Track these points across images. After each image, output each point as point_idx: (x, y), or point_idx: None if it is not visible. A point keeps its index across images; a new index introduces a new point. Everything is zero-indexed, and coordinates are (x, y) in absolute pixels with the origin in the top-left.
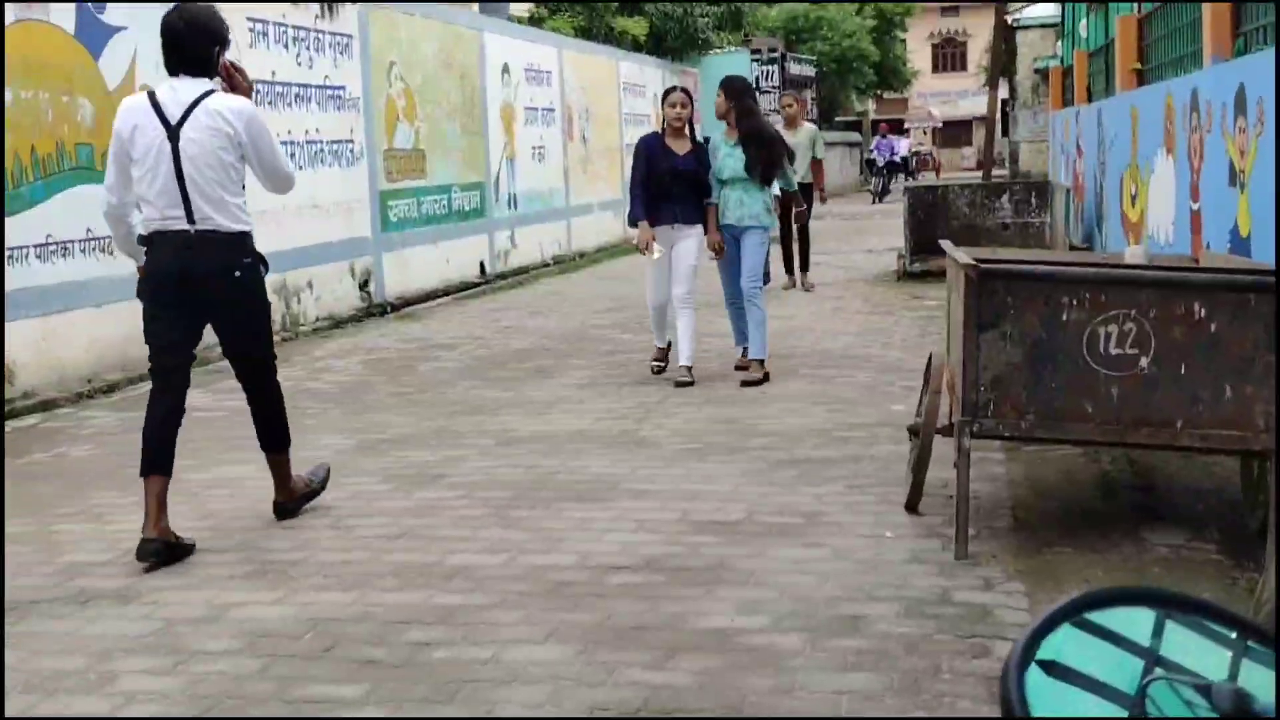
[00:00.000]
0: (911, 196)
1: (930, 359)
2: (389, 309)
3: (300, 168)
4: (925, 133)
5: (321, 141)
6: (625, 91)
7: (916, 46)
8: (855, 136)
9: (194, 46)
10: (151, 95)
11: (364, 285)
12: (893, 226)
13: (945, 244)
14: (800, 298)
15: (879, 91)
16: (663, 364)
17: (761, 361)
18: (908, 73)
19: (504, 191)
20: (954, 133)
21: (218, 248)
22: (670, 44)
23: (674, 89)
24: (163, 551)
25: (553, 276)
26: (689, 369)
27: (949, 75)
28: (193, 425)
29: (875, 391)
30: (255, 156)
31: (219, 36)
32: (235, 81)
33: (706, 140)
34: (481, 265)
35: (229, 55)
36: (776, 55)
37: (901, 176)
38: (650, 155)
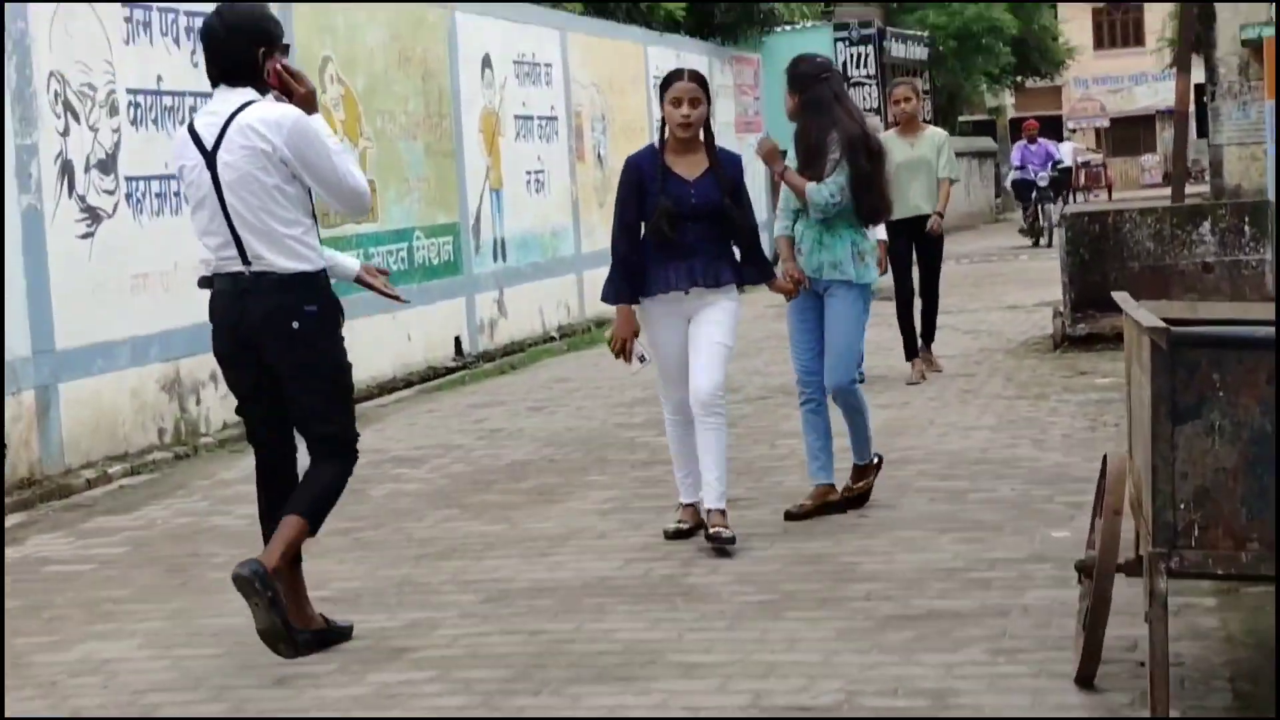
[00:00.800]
0: (1071, 228)
1: (1104, 464)
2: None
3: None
4: (1085, 135)
5: None
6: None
7: (1072, 14)
8: (987, 143)
9: (231, 51)
10: (191, 123)
11: None
12: (1044, 272)
13: (1121, 297)
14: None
15: (1019, 79)
16: (688, 526)
17: (864, 468)
18: (1060, 51)
19: (487, 236)
20: (1127, 134)
21: (271, 293)
22: (721, 20)
23: (678, 74)
24: (312, 641)
25: (558, 356)
26: (721, 515)
27: (1118, 53)
28: (49, 584)
29: (1026, 512)
30: (307, 173)
31: (263, 36)
32: (290, 88)
33: (731, 157)
34: (458, 342)
35: (285, 60)
36: (871, 32)
37: (1059, 201)
38: (642, 183)
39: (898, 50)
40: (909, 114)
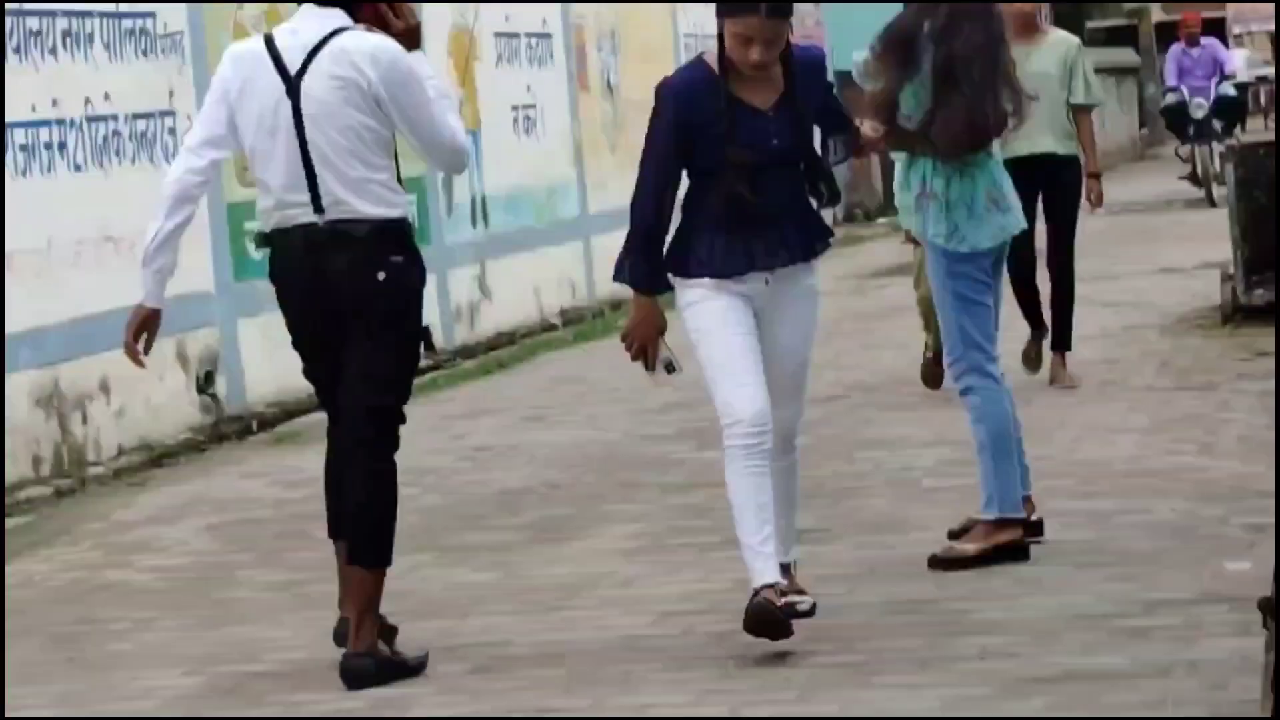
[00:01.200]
0: (1243, 164)
1: None
2: (254, 425)
3: (78, 167)
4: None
5: (113, 116)
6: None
7: None
8: (1126, 56)
9: None
10: (269, 40)
11: (205, 382)
12: (1207, 224)
13: None
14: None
15: None
16: (777, 613)
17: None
18: None
19: (462, 194)
20: None
21: (357, 243)
22: None
23: (749, 6)
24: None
25: (562, 349)
26: (788, 569)
27: None
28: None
29: (1192, 539)
30: (400, 118)
31: None
32: (387, 21)
33: (811, 59)
34: (427, 334)
35: None
36: None
37: (1231, 136)
38: (692, 123)
39: None
40: (1024, 12)
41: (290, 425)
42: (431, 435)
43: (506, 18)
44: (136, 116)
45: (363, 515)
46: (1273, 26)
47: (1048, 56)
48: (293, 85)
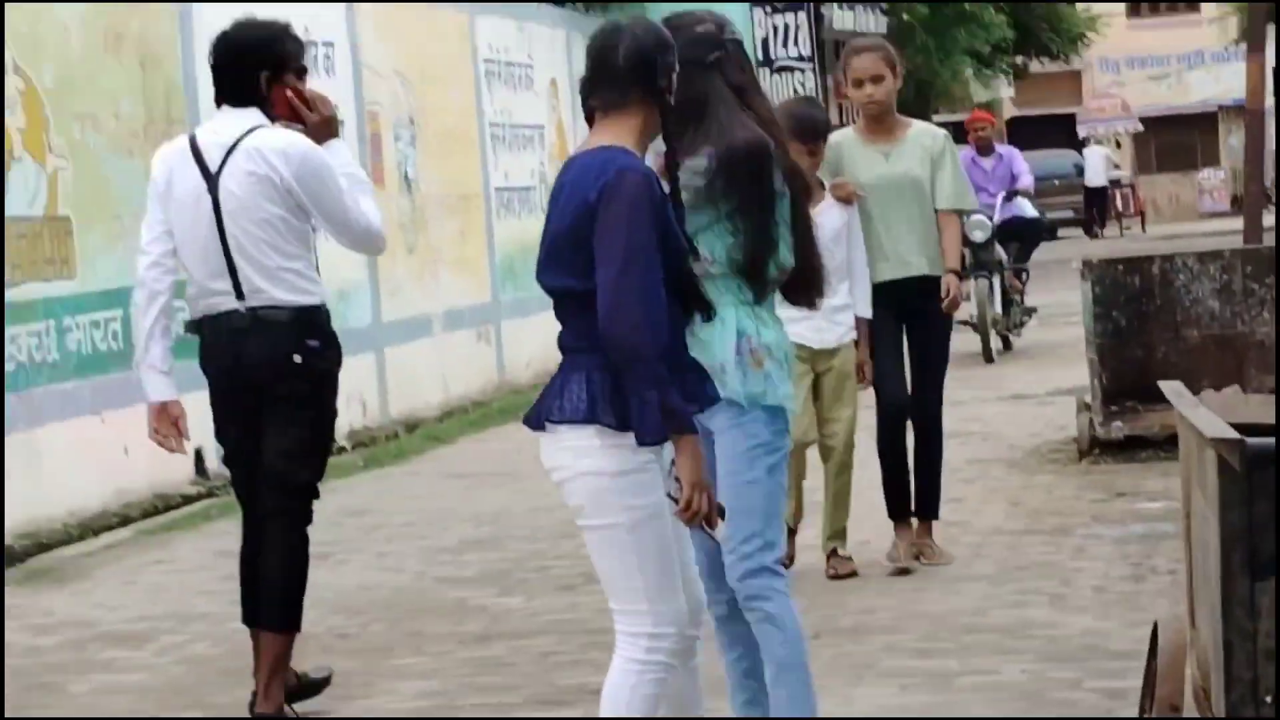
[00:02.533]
0: (1100, 281)
1: (1155, 634)
2: (3, 560)
3: None
4: (1116, 142)
5: None
6: (493, 77)
7: None
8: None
9: (236, 69)
10: (192, 139)
11: None
12: (1061, 345)
13: (1172, 389)
14: (872, 508)
15: (1020, 60)
16: None
17: None
18: (1077, 21)
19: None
20: (1176, 140)
21: (275, 328)
22: None
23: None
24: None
25: (350, 477)
26: None
27: (1161, 23)
28: None
29: (1041, 704)
30: (314, 208)
31: (270, 59)
32: (301, 115)
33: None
34: (199, 457)
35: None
36: None
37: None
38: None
39: (844, 20)
40: (879, 102)
41: (43, 560)
42: (200, 574)
43: None
44: None
45: (275, 581)
46: (1130, 125)
47: (910, 154)
48: (212, 181)
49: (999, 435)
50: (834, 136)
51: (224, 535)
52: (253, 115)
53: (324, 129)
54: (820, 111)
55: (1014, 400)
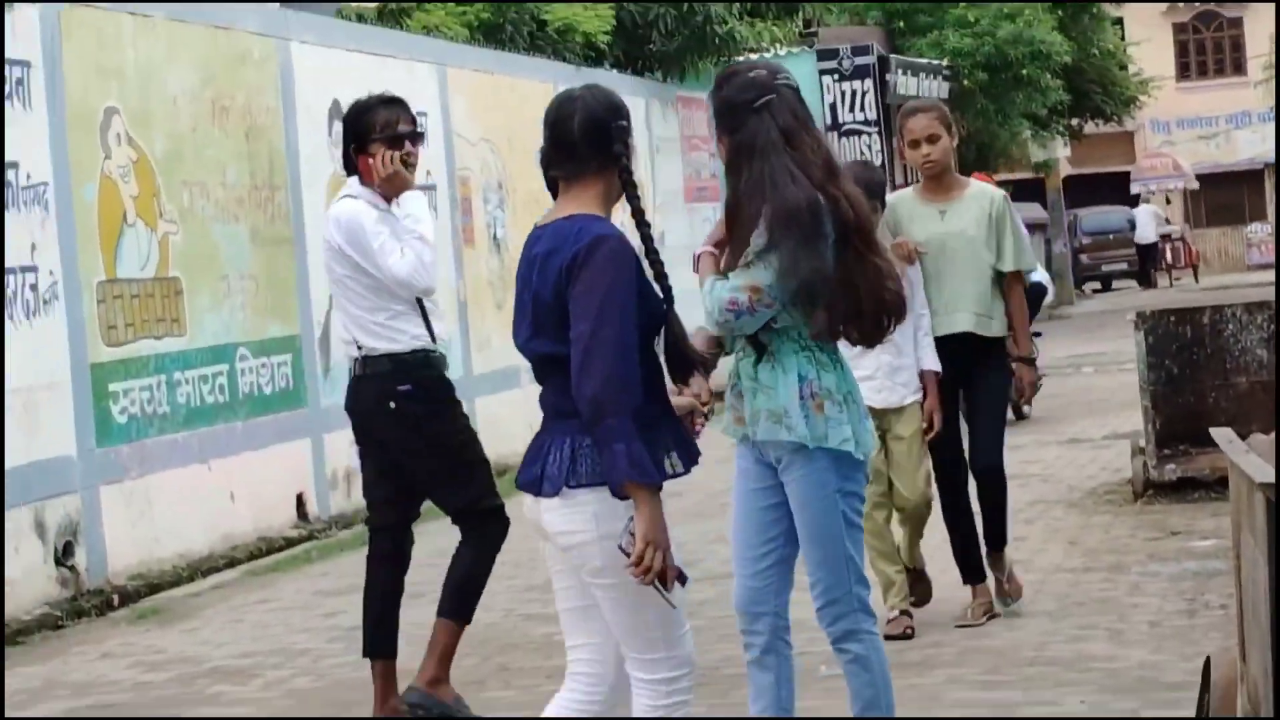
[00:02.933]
0: (1153, 331)
1: (1207, 667)
2: (115, 599)
3: None
4: (1166, 198)
5: None
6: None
7: (1146, 32)
8: (1033, 212)
9: (343, 145)
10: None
11: (64, 555)
12: (1117, 390)
13: (1222, 435)
14: (933, 539)
15: (1075, 122)
16: None
17: None
18: (1129, 85)
19: (338, 354)
20: (1225, 196)
21: (372, 377)
22: (661, 48)
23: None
24: None
25: (445, 518)
26: None
27: (1209, 86)
28: None
29: None
30: (364, 263)
31: (353, 131)
32: (375, 174)
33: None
34: (300, 502)
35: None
36: (869, 61)
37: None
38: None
39: (907, 85)
40: (935, 161)
41: (154, 600)
42: (302, 613)
43: None
44: None
45: (457, 577)
46: (1182, 183)
47: (966, 213)
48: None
49: (1058, 477)
50: (892, 197)
51: (324, 576)
52: (351, 184)
53: (388, 186)
54: (877, 173)
55: (1072, 444)
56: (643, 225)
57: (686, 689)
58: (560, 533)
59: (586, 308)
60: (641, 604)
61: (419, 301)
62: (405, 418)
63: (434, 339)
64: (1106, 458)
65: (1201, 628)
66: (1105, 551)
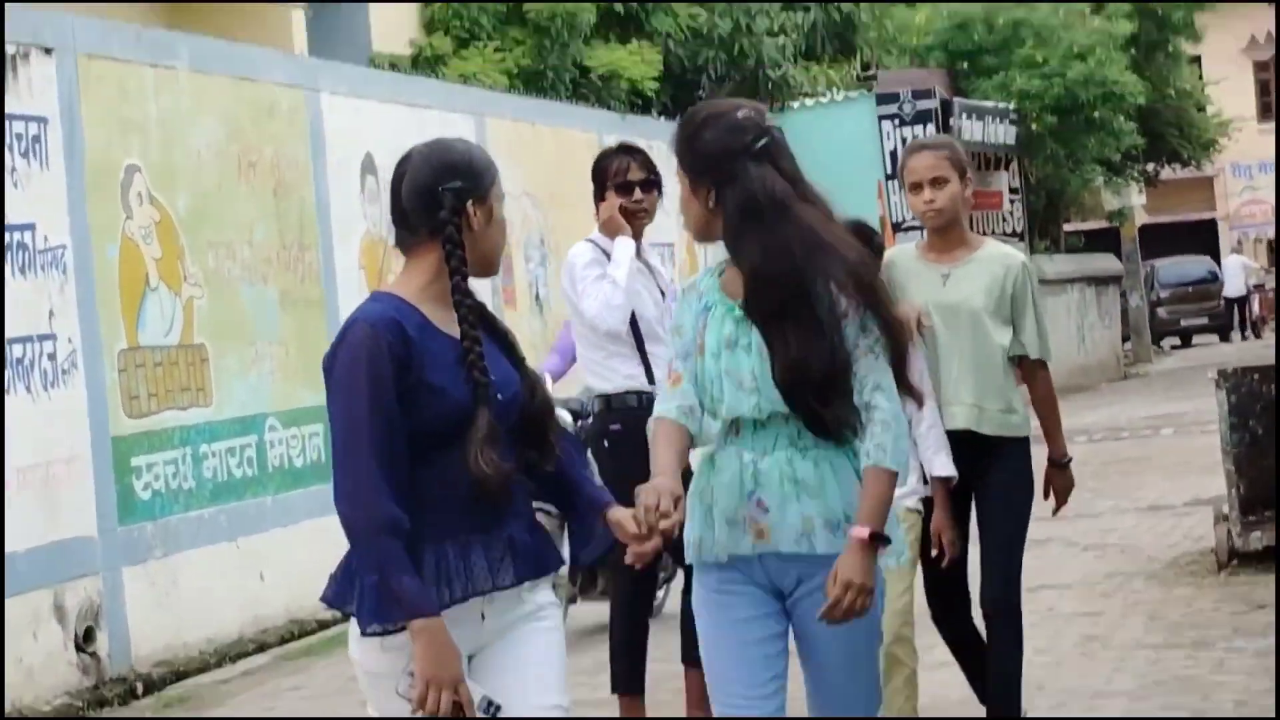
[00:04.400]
0: (1236, 390)
1: None
2: (139, 687)
3: None
4: (1253, 247)
5: None
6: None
7: (1225, 71)
8: (1107, 263)
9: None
10: None
11: (84, 640)
12: (1199, 452)
13: None
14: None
15: (1152, 168)
16: None
17: None
18: (1208, 126)
19: None
20: None
21: (598, 415)
22: (710, 93)
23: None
24: None
25: None
26: None
27: None
28: None
29: None
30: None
31: (596, 177)
32: (607, 225)
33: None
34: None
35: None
36: (933, 105)
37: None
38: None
39: (972, 130)
40: (939, 210)
41: (180, 687)
42: (339, 699)
43: None
44: (11, 340)
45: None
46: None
47: (973, 279)
48: None
49: (1136, 547)
50: (890, 252)
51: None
52: (594, 230)
53: (605, 230)
54: (877, 235)
55: (1151, 511)
56: (461, 306)
57: None
58: (358, 661)
59: (333, 424)
60: None
61: (638, 343)
62: (617, 457)
63: (651, 381)
64: (1188, 525)
65: None
66: (1188, 626)
